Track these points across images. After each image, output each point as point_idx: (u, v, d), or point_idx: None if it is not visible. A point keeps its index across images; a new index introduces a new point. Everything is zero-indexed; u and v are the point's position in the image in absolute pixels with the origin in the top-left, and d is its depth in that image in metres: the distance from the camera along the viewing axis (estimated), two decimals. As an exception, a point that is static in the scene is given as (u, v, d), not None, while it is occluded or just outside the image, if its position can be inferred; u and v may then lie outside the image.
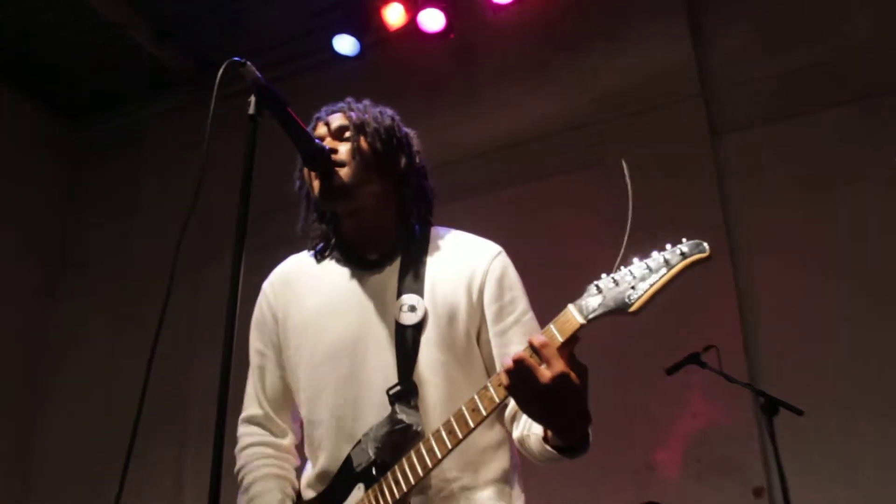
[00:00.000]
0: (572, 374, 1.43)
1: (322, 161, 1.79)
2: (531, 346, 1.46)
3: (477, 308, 1.80)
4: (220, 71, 1.56)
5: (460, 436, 1.56)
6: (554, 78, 5.01)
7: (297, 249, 2.05)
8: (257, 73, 1.59)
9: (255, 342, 1.97)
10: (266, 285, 2.01)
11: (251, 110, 1.57)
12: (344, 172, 1.81)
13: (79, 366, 5.79)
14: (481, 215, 4.79)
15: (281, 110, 1.66)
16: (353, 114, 1.91)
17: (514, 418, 1.77)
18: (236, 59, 1.56)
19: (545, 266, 4.44)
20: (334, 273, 1.90)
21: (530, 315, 1.84)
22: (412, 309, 1.75)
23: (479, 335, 1.80)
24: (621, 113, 4.73)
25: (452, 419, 1.58)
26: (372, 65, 5.31)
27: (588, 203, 4.62)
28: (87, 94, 6.20)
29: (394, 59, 5.33)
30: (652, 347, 4.00)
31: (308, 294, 1.91)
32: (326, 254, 1.95)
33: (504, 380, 1.46)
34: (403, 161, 1.92)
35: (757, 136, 4.43)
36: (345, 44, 5.12)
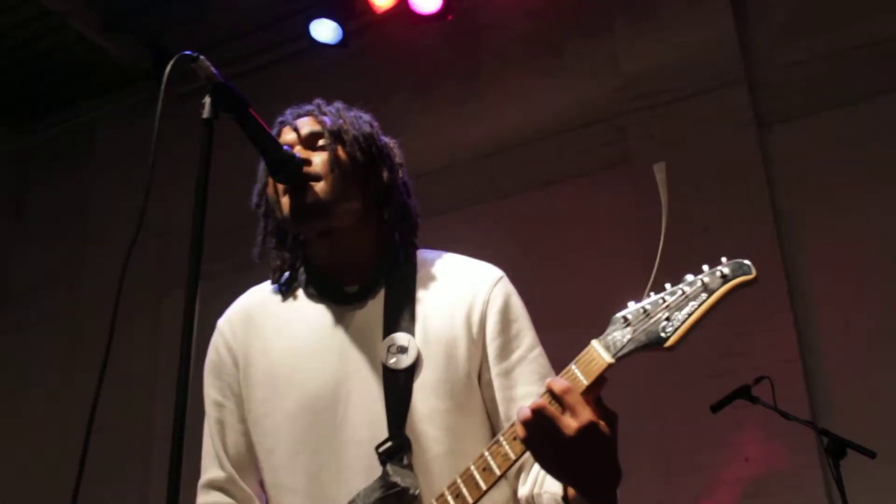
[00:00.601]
0: (601, 424, 1.41)
1: (293, 172, 1.73)
2: (551, 392, 1.43)
3: (478, 344, 1.78)
4: (168, 67, 1.52)
5: (471, 501, 1.55)
6: (568, 65, 5.00)
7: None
8: (213, 69, 1.54)
9: (212, 391, 1.91)
10: (222, 323, 1.95)
11: (206, 113, 1.52)
12: (320, 187, 1.77)
13: (27, 405, 5.79)
14: (484, 227, 4.88)
15: (241, 111, 1.61)
16: (325, 118, 1.87)
17: (519, 471, 1.76)
18: (187, 52, 1.52)
19: (559, 291, 4.49)
20: (306, 310, 1.86)
21: (538, 351, 1.81)
22: (402, 350, 1.73)
23: (480, 375, 1.79)
24: (648, 104, 4.70)
25: (460, 481, 1.56)
26: (356, 54, 5.30)
27: (610, 212, 4.59)
28: (28, 95, 6.19)
29: (381, 46, 5.32)
30: (692, 379, 3.95)
31: (274, 336, 1.85)
32: (294, 286, 1.91)
33: (520, 432, 1.44)
34: (385, 174, 1.88)
35: (811, 126, 4.40)
36: (324, 30, 5.10)
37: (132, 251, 1.49)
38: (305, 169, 1.76)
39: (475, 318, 1.78)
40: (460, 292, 1.81)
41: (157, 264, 5.51)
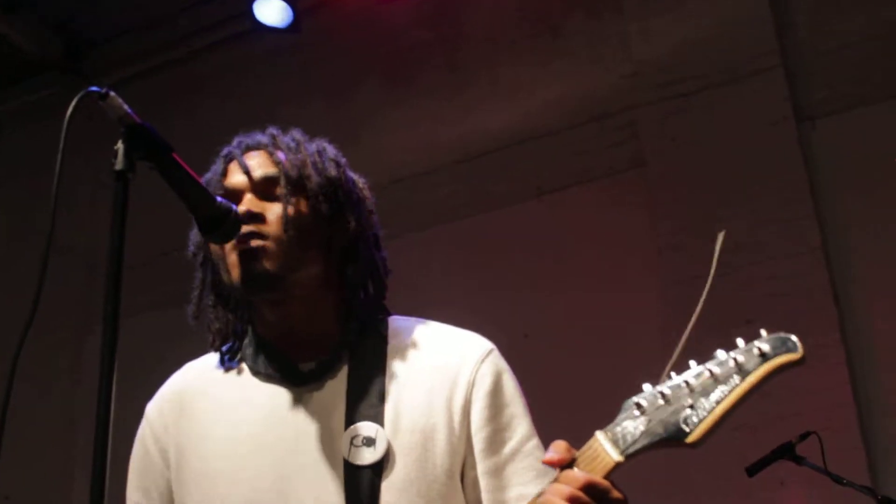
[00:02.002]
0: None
1: (231, 230, 1.70)
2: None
3: (461, 435, 1.78)
4: (71, 108, 1.52)
5: None
6: (568, 49, 4.99)
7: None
8: (125, 107, 1.53)
9: (134, 494, 1.89)
10: (150, 410, 1.93)
11: (119, 164, 1.51)
12: (275, 251, 1.76)
13: None
14: (468, 246, 4.87)
15: (163, 158, 1.59)
16: (281, 155, 1.84)
17: None
18: (94, 88, 1.51)
19: (559, 328, 4.46)
20: (252, 390, 1.85)
21: (535, 443, 1.80)
22: (368, 442, 1.72)
23: (464, 474, 1.79)
24: (664, 96, 4.67)
25: None
26: (311, 40, 5.25)
27: (620, 227, 4.57)
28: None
29: (342, 29, 5.28)
30: (726, 437, 3.83)
31: (213, 424, 1.83)
32: (238, 359, 1.90)
33: None
34: (353, 225, 1.87)
35: (861, 120, 4.37)
36: (271, 10, 5.05)
37: (44, 281, 1.49)
38: (258, 227, 1.75)
39: (458, 403, 1.78)
40: (440, 370, 1.80)
41: (83, 297, 5.49)
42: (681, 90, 4.64)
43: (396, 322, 1.91)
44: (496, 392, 1.79)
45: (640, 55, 4.80)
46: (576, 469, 1.42)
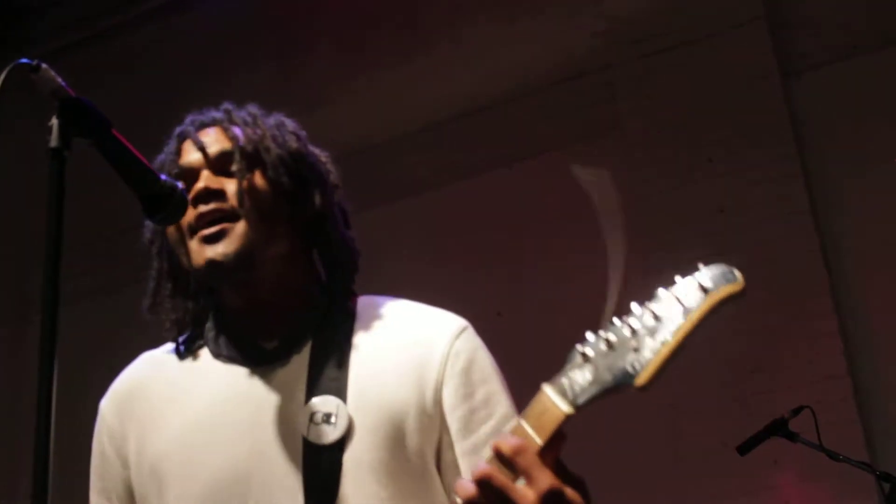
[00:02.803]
0: (566, 490, 1.39)
1: (175, 209, 1.65)
2: (498, 455, 1.41)
3: (433, 416, 1.77)
4: (0, 80, 1.49)
5: None
6: (537, 5, 4.97)
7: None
8: (59, 80, 1.50)
9: (95, 497, 1.89)
10: (104, 406, 1.92)
11: (53, 141, 1.48)
12: (238, 231, 1.75)
13: None
14: (435, 219, 4.87)
15: (101, 134, 1.57)
16: (237, 130, 1.83)
17: None
18: (24, 60, 1.48)
19: (534, 300, 4.48)
20: (210, 373, 1.84)
21: (515, 421, 1.76)
22: (328, 419, 1.72)
23: (440, 456, 1.78)
24: (641, 52, 4.69)
25: None
26: (258, 2, 5.23)
27: (596, 193, 4.52)
28: None
29: None
30: (715, 405, 3.96)
31: (169, 411, 1.83)
32: (197, 346, 1.89)
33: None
34: (318, 199, 1.85)
35: (847, 72, 4.41)
36: None
37: None
38: (218, 205, 1.74)
39: (430, 382, 1.77)
40: (410, 347, 1.80)
41: (19, 285, 5.45)
42: (657, 46, 4.65)
43: (365, 301, 1.91)
44: (471, 369, 1.80)
45: (614, 10, 4.80)
46: (526, 425, 1.43)
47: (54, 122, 1.49)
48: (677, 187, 4.36)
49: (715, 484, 4.03)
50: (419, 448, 1.74)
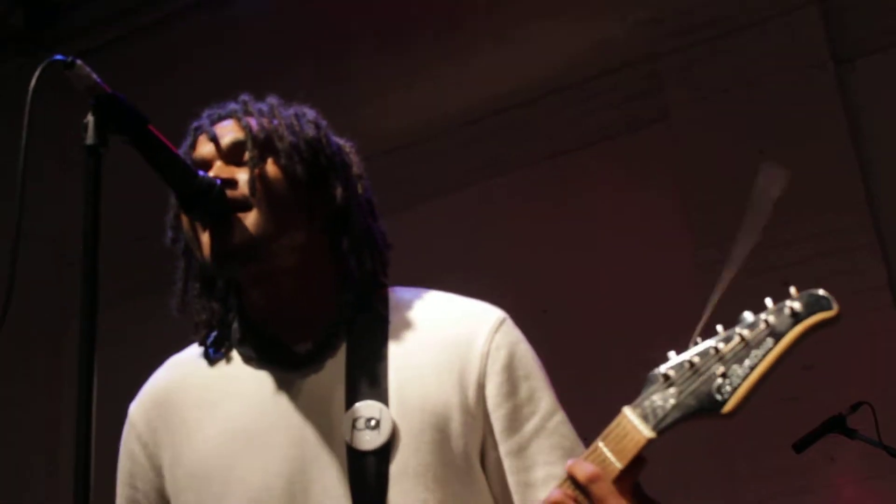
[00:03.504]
0: None
1: (213, 204, 1.70)
2: (573, 481, 1.43)
3: (477, 414, 1.77)
4: (34, 79, 1.51)
5: None
6: None
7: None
8: (94, 77, 1.51)
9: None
10: (134, 411, 1.92)
11: (89, 138, 1.50)
12: (249, 219, 1.75)
13: None
14: (477, 216, 4.86)
15: (137, 131, 1.58)
16: (251, 120, 1.82)
17: None
18: (58, 57, 1.49)
19: (580, 301, 4.46)
20: (243, 379, 1.84)
21: (559, 417, 1.79)
22: (372, 424, 1.72)
23: (485, 456, 1.78)
24: (688, 42, 4.65)
25: None
26: None
27: (643, 188, 4.55)
28: None
29: None
30: (764, 403, 3.87)
31: (204, 419, 1.83)
32: (226, 348, 1.88)
33: None
34: (339, 192, 1.84)
35: None
36: None
37: (15, 275, 1.49)
38: (229, 193, 1.73)
39: (471, 379, 1.76)
40: (449, 344, 1.79)
41: (56, 288, 5.51)
42: (705, 35, 4.62)
43: (397, 294, 1.89)
44: (513, 365, 1.78)
45: (659, -1, 4.77)
46: (604, 448, 1.43)
47: (90, 118, 1.50)
48: (727, 180, 4.32)
49: (765, 485, 4.02)
50: (464, 449, 1.73)
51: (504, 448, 1.75)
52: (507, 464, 1.75)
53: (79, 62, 1.50)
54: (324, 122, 1.90)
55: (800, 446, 3.41)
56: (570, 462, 1.45)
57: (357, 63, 5.27)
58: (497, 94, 4.99)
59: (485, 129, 5.01)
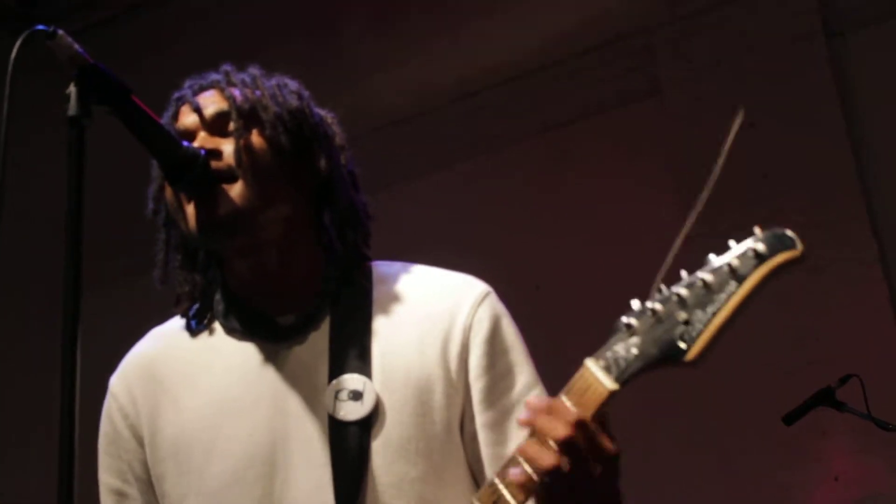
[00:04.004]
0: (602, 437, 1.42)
1: (198, 175, 1.70)
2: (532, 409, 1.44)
3: (458, 386, 1.78)
4: (15, 49, 1.51)
5: None
6: None
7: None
8: (76, 47, 1.52)
9: (108, 477, 1.90)
10: (115, 383, 1.92)
11: (72, 109, 1.50)
12: (234, 190, 1.75)
13: None
14: (469, 192, 4.82)
15: (120, 101, 1.59)
16: (234, 91, 1.82)
17: None
18: (40, 27, 1.50)
19: (571, 276, 4.45)
20: (226, 351, 1.85)
21: (538, 392, 1.80)
22: (355, 396, 1.73)
23: (463, 428, 1.79)
24: (680, 14, 4.63)
25: None
26: None
27: (634, 162, 4.54)
28: None
29: None
30: (757, 381, 3.93)
31: (186, 390, 1.84)
32: (207, 320, 1.89)
33: (548, 461, 1.40)
34: (323, 162, 1.85)
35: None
36: None
37: None
38: (213, 164, 1.73)
39: (454, 351, 1.78)
40: (432, 317, 1.80)
41: (50, 266, 5.46)
42: (696, 7, 4.59)
43: (380, 268, 1.90)
44: (495, 338, 1.79)
45: (650, -29, 4.74)
46: (567, 403, 1.40)
47: (72, 89, 1.50)
48: (718, 153, 4.31)
49: (764, 457, 4.01)
50: (447, 422, 1.75)
51: (480, 420, 1.76)
52: (483, 436, 1.76)
53: (60, 32, 1.50)
54: (306, 93, 1.89)
55: (789, 419, 3.42)
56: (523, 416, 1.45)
57: (347, 39, 5.23)
58: (489, 69, 4.96)
59: (477, 104, 4.98)
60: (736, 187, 4.31)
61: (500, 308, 1.84)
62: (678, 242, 1.39)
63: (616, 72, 4.74)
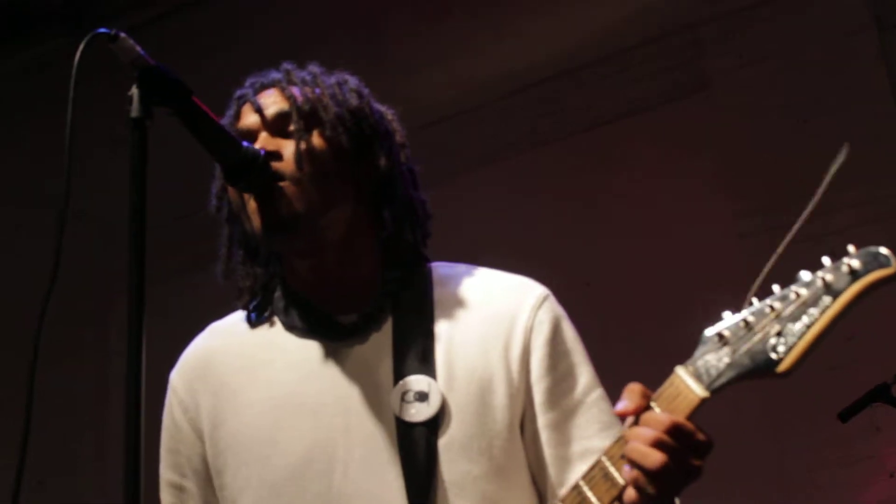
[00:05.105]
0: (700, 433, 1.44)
1: (260, 177, 1.71)
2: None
3: (520, 387, 1.78)
4: (79, 53, 1.51)
5: None
6: None
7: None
8: (138, 49, 1.53)
9: (167, 472, 1.91)
10: (175, 378, 1.94)
11: (135, 111, 1.51)
12: (294, 192, 1.75)
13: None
14: (513, 189, 4.83)
15: (181, 102, 1.59)
16: (295, 90, 1.82)
17: None
18: (102, 30, 1.51)
19: (621, 275, 4.44)
20: (287, 347, 1.86)
21: (599, 393, 1.81)
22: (421, 397, 1.73)
23: (523, 427, 1.79)
24: (729, 8, 4.61)
25: None
26: None
27: (683, 159, 4.52)
28: None
29: None
30: (810, 373, 3.86)
31: (247, 384, 1.85)
32: (267, 315, 1.90)
33: (655, 461, 1.40)
34: (383, 161, 1.85)
35: None
36: None
37: (61, 250, 1.51)
38: (274, 166, 1.73)
39: (515, 352, 1.78)
40: (493, 319, 1.81)
41: (102, 261, 5.53)
42: (746, 2, 4.58)
43: (441, 269, 1.90)
44: (555, 340, 1.80)
45: (699, -35, 4.71)
46: (657, 409, 1.41)
47: (134, 91, 1.51)
48: (769, 149, 4.29)
49: (813, 455, 4.01)
50: (508, 422, 1.75)
51: (542, 420, 1.77)
52: (545, 437, 1.76)
53: (122, 35, 1.51)
54: (366, 90, 1.90)
55: (845, 415, 3.41)
56: (627, 423, 1.45)
57: (393, 35, 5.24)
58: (535, 65, 4.95)
59: (523, 101, 4.98)
60: (787, 183, 4.30)
61: (560, 310, 1.85)
62: (775, 256, 1.40)
63: (663, 67, 4.73)
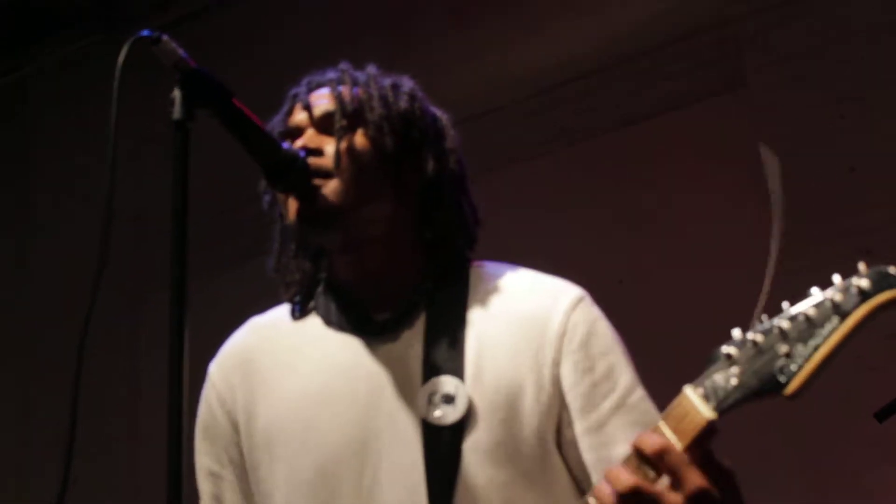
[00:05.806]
0: (712, 490, 1.41)
1: (297, 177, 1.76)
2: (638, 454, 1.43)
3: (552, 393, 1.79)
4: (122, 55, 1.57)
5: None
6: None
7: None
8: (180, 52, 1.59)
9: (205, 459, 1.96)
10: (213, 371, 2.00)
11: (177, 113, 1.57)
12: (331, 187, 1.80)
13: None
14: (543, 187, 4.81)
15: (222, 104, 1.65)
16: (344, 89, 1.88)
17: None
18: (145, 33, 1.56)
19: (656, 276, 4.43)
20: (323, 342, 1.90)
21: (640, 394, 1.82)
22: (447, 399, 1.75)
23: (560, 434, 1.80)
24: (763, 5, 4.57)
25: None
26: None
27: (718, 159, 4.49)
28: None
29: None
30: (849, 373, 3.80)
31: (283, 377, 1.89)
32: (309, 307, 1.96)
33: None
34: (431, 165, 1.90)
35: None
36: None
37: (107, 252, 1.58)
38: (313, 161, 1.77)
39: (547, 358, 1.79)
40: (526, 321, 1.82)
41: (134, 256, 5.57)
42: (781, -3, 4.53)
43: (482, 269, 1.92)
44: (590, 342, 1.80)
45: (734, -40, 4.68)
46: (666, 430, 1.42)
47: (176, 93, 1.56)
48: (806, 146, 4.26)
49: (851, 458, 3.97)
50: (537, 428, 1.76)
51: (581, 425, 1.78)
52: (585, 441, 1.77)
53: (165, 37, 1.55)
54: (420, 94, 1.96)
55: (882, 414, 3.36)
56: (637, 436, 1.46)
57: (423, 33, 5.25)
58: (568, 63, 4.94)
59: (553, 99, 4.96)
60: (822, 181, 4.27)
61: (595, 311, 1.85)
62: (771, 272, 1.43)
63: (697, 64, 4.69)
